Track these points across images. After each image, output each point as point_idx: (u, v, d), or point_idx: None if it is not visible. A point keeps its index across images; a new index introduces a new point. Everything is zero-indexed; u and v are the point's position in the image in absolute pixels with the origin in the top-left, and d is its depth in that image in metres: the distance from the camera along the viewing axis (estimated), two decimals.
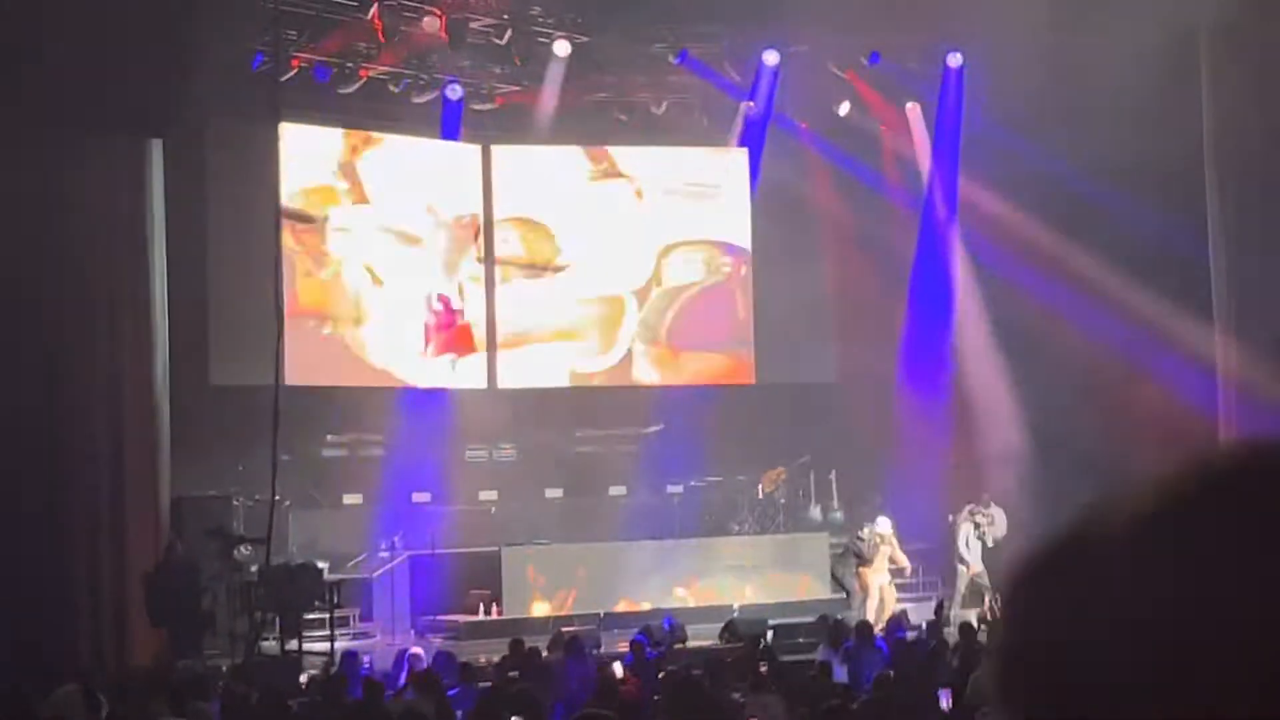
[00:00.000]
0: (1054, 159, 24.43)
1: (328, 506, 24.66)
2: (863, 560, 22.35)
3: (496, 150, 27.46)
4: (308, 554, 22.43)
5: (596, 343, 28.14)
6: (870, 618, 20.30)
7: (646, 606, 23.02)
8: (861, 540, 22.54)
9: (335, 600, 19.88)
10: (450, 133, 26.31)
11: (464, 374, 26.98)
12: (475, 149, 27.21)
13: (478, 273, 27.41)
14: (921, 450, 25.76)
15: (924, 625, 19.40)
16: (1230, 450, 1.14)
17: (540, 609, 22.93)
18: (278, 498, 19.69)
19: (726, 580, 24.26)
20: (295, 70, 23.79)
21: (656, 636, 18.88)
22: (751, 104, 27.12)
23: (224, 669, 16.99)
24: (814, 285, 28.17)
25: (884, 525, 22.55)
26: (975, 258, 26.48)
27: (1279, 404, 22.54)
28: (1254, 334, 22.92)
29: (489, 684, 14.48)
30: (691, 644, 19.70)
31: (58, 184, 19.51)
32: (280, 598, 18.69)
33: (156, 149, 20.88)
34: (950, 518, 23.78)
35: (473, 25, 24.52)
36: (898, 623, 18.05)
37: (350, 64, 24.57)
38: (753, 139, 27.57)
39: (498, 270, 27.56)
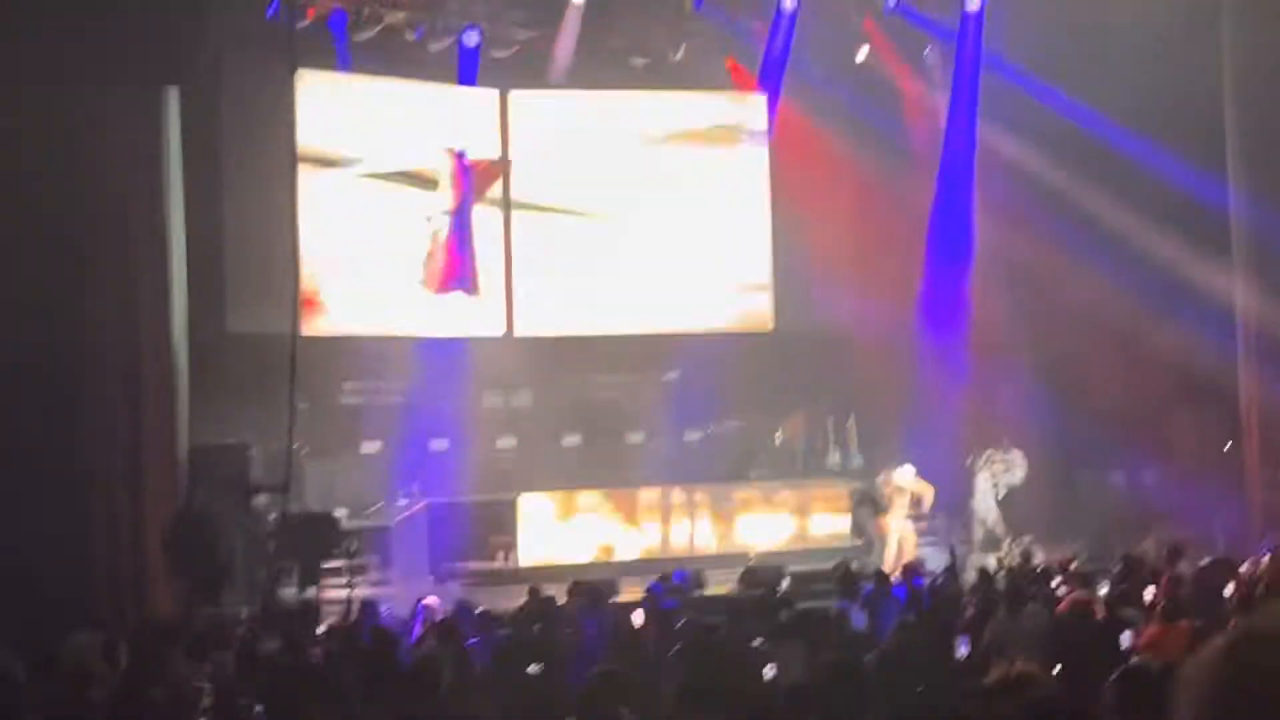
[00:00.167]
0: (1073, 104, 24.31)
1: (345, 454, 24.67)
2: (879, 508, 22.34)
3: (514, 96, 27.37)
4: (325, 502, 22.50)
5: (614, 291, 28.15)
6: (889, 564, 20.29)
7: (664, 554, 23.03)
8: (878, 483, 22.52)
9: (353, 548, 19.90)
10: (467, 79, 26.25)
11: (480, 320, 26.96)
12: (493, 94, 27.13)
13: (496, 218, 27.36)
14: (940, 396, 25.72)
15: (940, 571, 19.41)
16: None
17: (558, 557, 22.95)
18: (295, 446, 19.70)
19: (745, 527, 24.26)
20: (311, 18, 23.70)
21: (670, 587, 18.86)
22: (770, 49, 26.99)
23: (242, 617, 17.01)
24: (832, 231, 28.10)
25: (905, 473, 22.51)
26: (993, 204, 26.35)
27: None
28: (1273, 279, 22.84)
29: (506, 632, 14.49)
30: (710, 591, 19.71)
31: (73, 132, 19.47)
32: (298, 546, 18.72)
33: (173, 97, 20.83)
34: (969, 459, 23.75)
35: None
36: (914, 569, 17.99)
37: (366, 11, 24.47)
38: (770, 85, 27.42)
39: (515, 216, 27.52)
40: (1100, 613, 13.18)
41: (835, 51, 27.09)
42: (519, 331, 27.36)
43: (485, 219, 27.15)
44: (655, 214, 28.02)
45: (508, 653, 12.74)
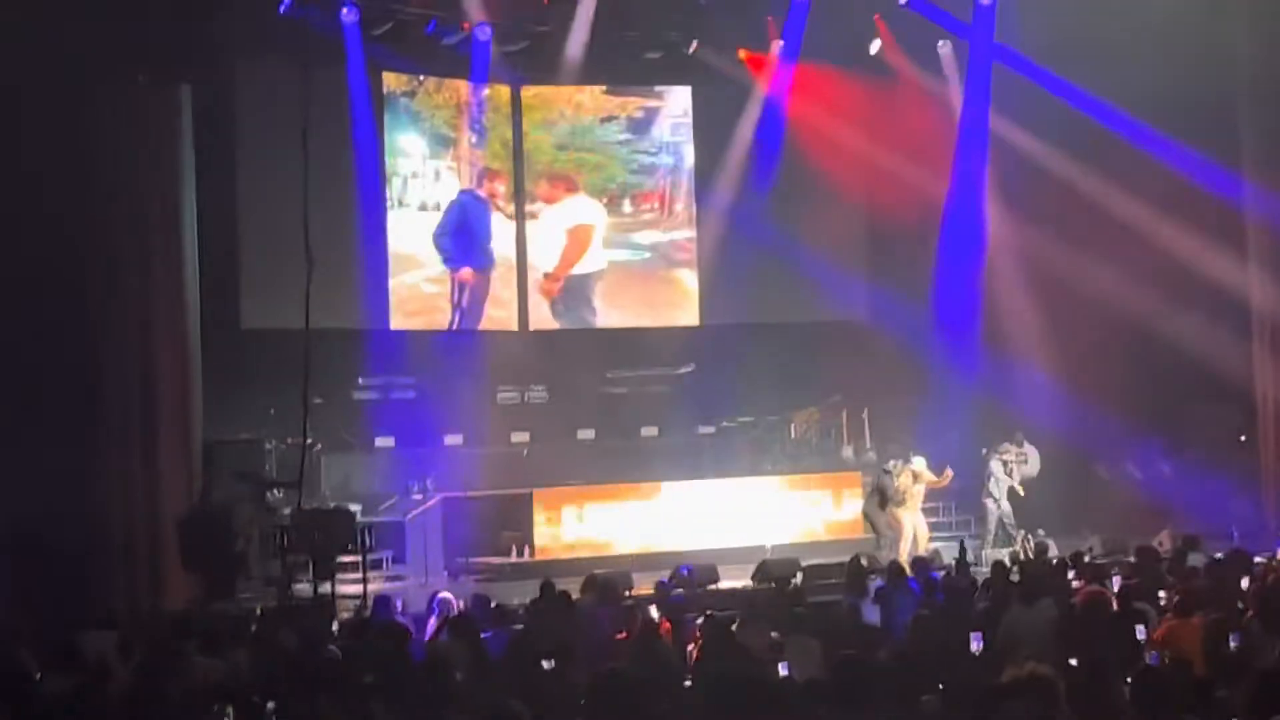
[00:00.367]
0: (1087, 97, 24.29)
1: (360, 449, 24.71)
2: (886, 499, 22.28)
3: (527, 91, 27.44)
4: (340, 497, 22.52)
5: (629, 284, 28.25)
6: (904, 558, 20.27)
7: (678, 548, 23.01)
8: (888, 473, 22.48)
9: (368, 543, 19.91)
10: (480, 74, 26.29)
11: (495, 316, 27.07)
12: (505, 90, 27.19)
13: (509, 213, 27.44)
14: (954, 389, 25.70)
15: (952, 564, 19.42)
16: None
17: (572, 551, 22.96)
18: (310, 441, 19.70)
19: (759, 521, 24.24)
20: (324, 13, 23.71)
21: (678, 581, 18.89)
22: (782, 42, 26.97)
23: (257, 612, 17.02)
24: (845, 223, 28.12)
25: (917, 464, 22.48)
26: (1007, 197, 26.31)
27: None
28: None
29: (520, 626, 14.49)
30: (724, 585, 19.71)
31: (88, 129, 19.51)
32: (313, 541, 18.72)
33: (186, 94, 20.87)
34: (984, 451, 23.73)
35: None
36: (924, 563, 17.98)
37: (379, 6, 24.47)
38: (784, 77, 27.38)
39: (529, 210, 27.60)
40: (1115, 606, 13.15)
41: (849, 43, 27.01)
42: (533, 325, 27.44)
43: (499, 214, 27.26)
44: (667, 203, 28.10)
45: (521, 646, 12.74)
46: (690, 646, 13.19)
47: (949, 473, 22.68)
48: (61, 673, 10.99)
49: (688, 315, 28.50)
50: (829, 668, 9.31)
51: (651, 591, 17.23)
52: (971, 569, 19.01)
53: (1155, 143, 23.65)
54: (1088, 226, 24.33)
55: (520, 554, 22.89)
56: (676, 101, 28.65)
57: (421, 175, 26.82)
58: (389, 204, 26.27)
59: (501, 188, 27.49)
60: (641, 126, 28.50)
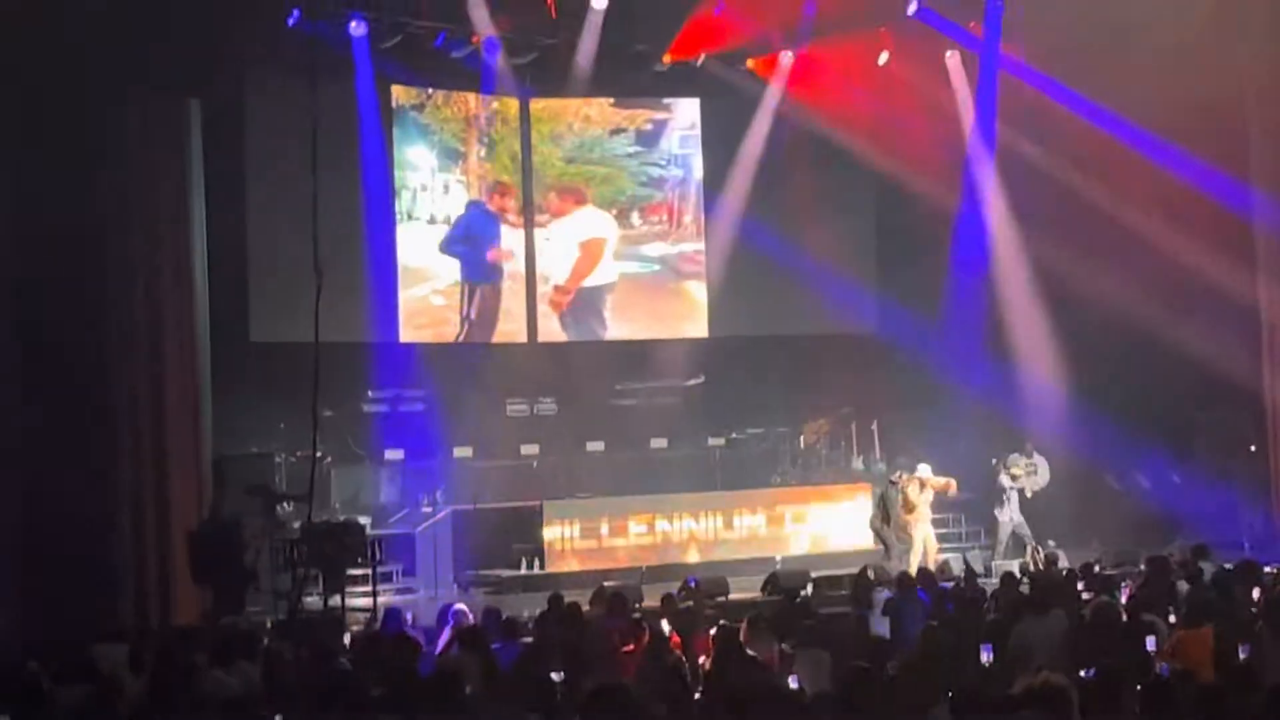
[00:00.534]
0: (1094, 107, 24.29)
1: (369, 462, 24.71)
2: (888, 511, 22.24)
3: (535, 103, 27.48)
4: (350, 510, 22.53)
5: (638, 296, 28.29)
6: (914, 569, 20.26)
7: (688, 560, 23.04)
8: (893, 484, 22.46)
9: (378, 556, 19.90)
10: (489, 87, 26.33)
11: (504, 328, 27.13)
12: (514, 102, 27.24)
13: (518, 225, 27.48)
14: (963, 400, 25.70)
15: (962, 575, 19.40)
16: None
17: (582, 563, 22.96)
18: (319, 454, 19.69)
19: (769, 533, 24.25)
20: (332, 27, 23.74)
21: (687, 593, 18.88)
22: (790, 53, 26.99)
23: (267, 626, 17.03)
24: (854, 234, 28.15)
25: (922, 471, 22.45)
26: (1016, 207, 26.31)
27: None
28: None
29: (530, 639, 14.49)
30: (734, 597, 19.70)
31: (98, 144, 19.54)
32: (323, 554, 18.70)
33: (195, 108, 20.91)
34: (994, 462, 23.71)
35: None
36: (935, 574, 17.98)
37: (387, 19, 24.49)
38: (792, 88, 27.37)
39: (538, 222, 27.65)
40: (1125, 617, 13.15)
41: (857, 54, 27.00)
42: (542, 337, 27.47)
43: (508, 226, 27.33)
44: (675, 215, 28.16)
45: (531, 658, 12.74)
46: (702, 659, 13.19)
47: (953, 482, 22.66)
48: (73, 685, 11.00)
49: (696, 327, 28.51)
50: (835, 680, 9.32)
51: (660, 604, 17.19)
52: (980, 580, 18.97)
53: (1163, 152, 23.65)
54: (1096, 236, 24.32)
55: (530, 566, 22.88)
56: (685, 114, 28.68)
57: (430, 188, 26.86)
58: (398, 217, 26.30)
59: (510, 200, 27.52)
60: (650, 139, 28.52)
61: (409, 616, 16.23)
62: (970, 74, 26.76)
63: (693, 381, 27.53)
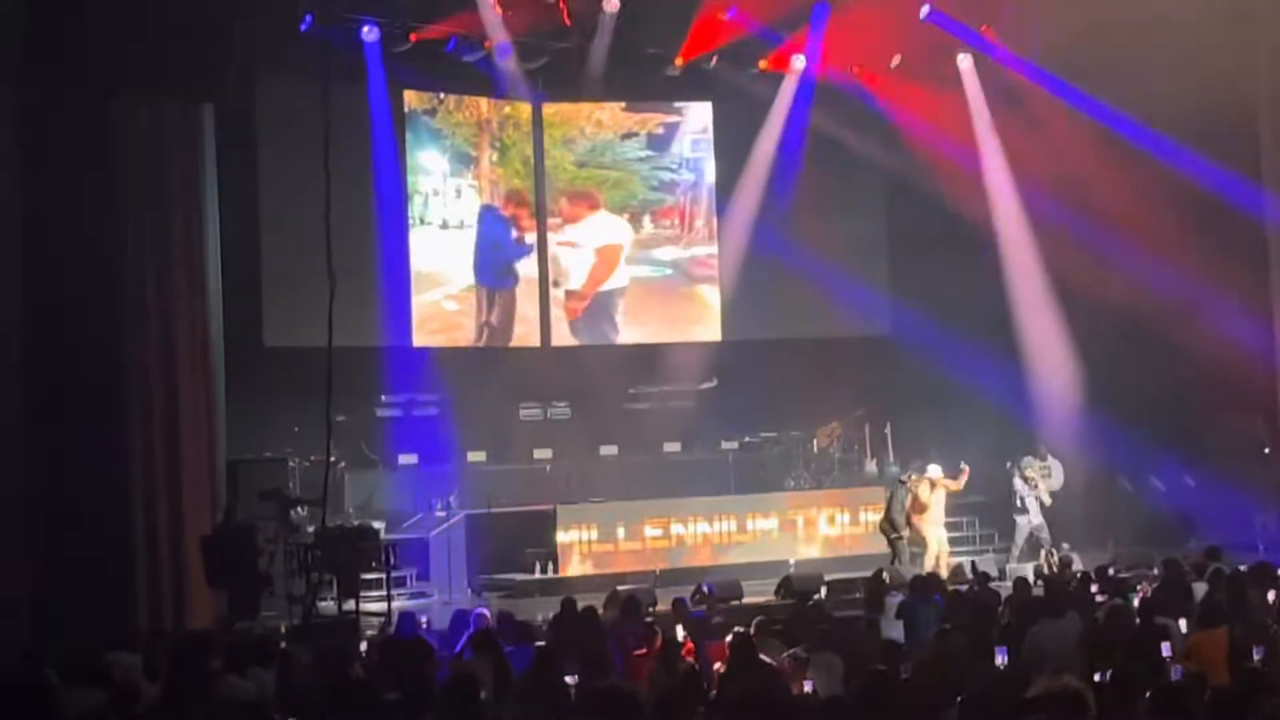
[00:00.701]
0: (1106, 108, 24.27)
1: (383, 467, 24.73)
2: (893, 514, 22.21)
3: (548, 108, 27.50)
4: (363, 515, 22.58)
5: (650, 300, 28.31)
6: (928, 571, 20.26)
7: (702, 564, 23.03)
8: (902, 484, 22.45)
9: (392, 561, 19.94)
10: (500, 91, 26.36)
11: (518, 332, 27.16)
12: (526, 107, 27.26)
13: (531, 230, 27.50)
14: (977, 403, 25.68)
15: (974, 578, 19.39)
16: None
17: (596, 567, 22.97)
18: (333, 459, 19.73)
19: (783, 536, 24.26)
20: (345, 32, 23.77)
21: (700, 598, 18.90)
22: (802, 57, 26.98)
23: (282, 631, 17.05)
24: (867, 237, 28.14)
25: (932, 471, 22.44)
26: (1028, 207, 26.29)
27: None
28: None
29: (543, 643, 14.49)
30: (748, 601, 19.71)
31: (111, 149, 19.61)
32: (337, 559, 18.73)
33: (208, 113, 20.96)
34: (1008, 465, 23.68)
35: None
36: (947, 578, 17.99)
37: (399, 24, 24.52)
38: (803, 92, 27.37)
39: (552, 227, 27.67)
40: (1139, 620, 13.14)
41: (868, 58, 27.01)
42: (555, 341, 27.49)
43: (522, 231, 27.37)
44: (688, 218, 28.21)
45: (544, 662, 12.75)
46: (717, 664, 13.19)
47: (965, 468, 22.62)
48: (88, 691, 11.01)
49: (709, 331, 28.51)
50: (848, 684, 9.31)
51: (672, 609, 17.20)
52: (992, 583, 18.96)
53: (1175, 154, 23.62)
54: (1109, 238, 24.28)
55: (544, 570, 22.89)
56: (696, 117, 28.68)
57: (443, 193, 26.88)
58: (410, 222, 26.33)
59: (523, 205, 27.54)
60: (661, 143, 28.53)
61: (423, 621, 16.26)
62: (982, 76, 26.75)
63: (706, 385, 27.52)
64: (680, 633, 14.74)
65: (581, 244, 28.00)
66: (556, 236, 27.81)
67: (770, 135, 27.66)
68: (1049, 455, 23.73)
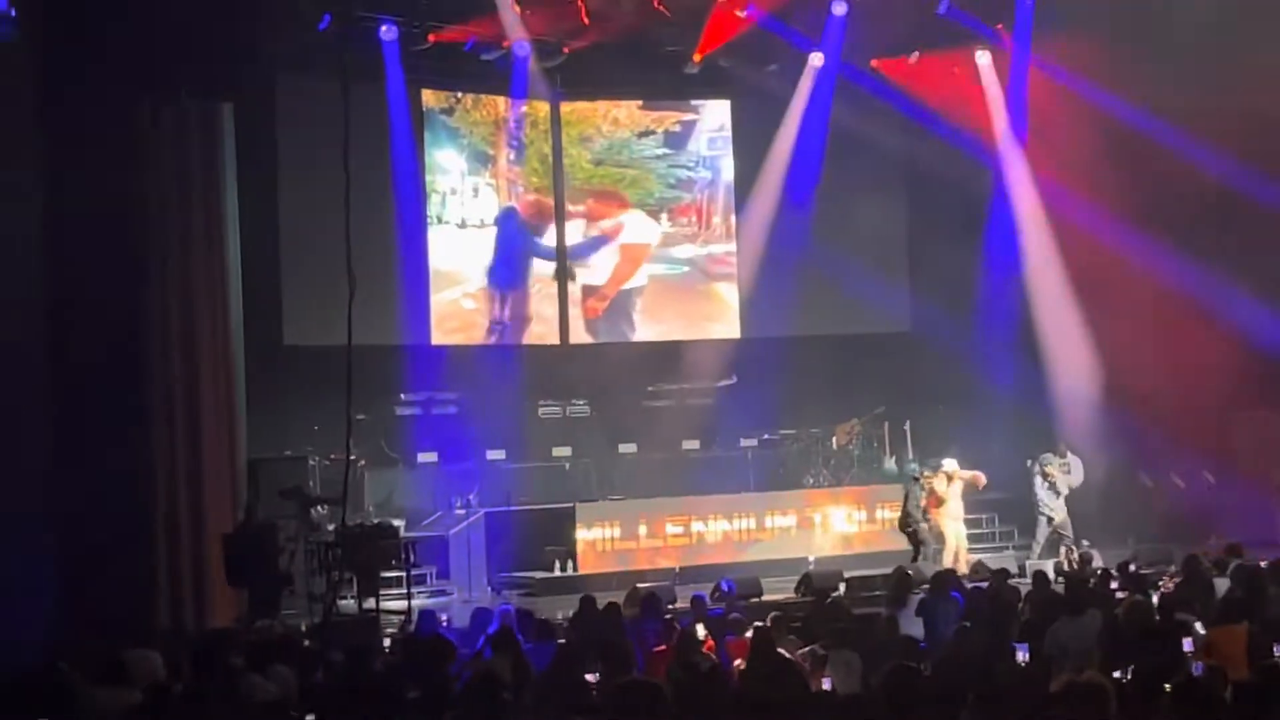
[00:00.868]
0: (1127, 105, 24.20)
1: (403, 465, 24.76)
2: (909, 510, 22.14)
3: (565, 106, 27.51)
4: (383, 513, 22.56)
5: (668, 298, 28.33)
6: (947, 564, 20.24)
7: (721, 561, 23.02)
8: (916, 480, 22.41)
9: (412, 559, 19.96)
10: (519, 90, 26.37)
11: (536, 330, 27.19)
12: (544, 105, 27.27)
13: (549, 228, 27.52)
14: (997, 399, 25.66)
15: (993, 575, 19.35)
16: None
17: (615, 565, 22.97)
18: (353, 457, 19.74)
19: (801, 533, 24.25)
20: (363, 31, 23.81)
21: (719, 595, 18.90)
22: (820, 55, 26.94)
23: (302, 629, 17.09)
24: (886, 234, 28.10)
25: (949, 465, 22.39)
26: (1047, 203, 26.25)
27: None
28: None
29: (563, 640, 14.50)
30: (767, 598, 19.71)
31: (131, 148, 19.66)
32: (357, 557, 18.77)
33: (228, 112, 21.01)
34: (1029, 462, 23.61)
35: None
36: (967, 574, 17.96)
37: (417, 23, 24.54)
38: (822, 90, 27.34)
39: (577, 225, 27.71)
40: (1159, 616, 13.11)
41: (887, 54, 26.97)
42: (574, 339, 27.51)
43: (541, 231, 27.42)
44: (706, 216, 28.21)
45: (564, 660, 12.75)
46: (737, 661, 13.19)
47: (983, 480, 22.59)
48: (110, 689, 11.05)
49: (728, 328, 28.51)
50: (866, 681, 9.31)
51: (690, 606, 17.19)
52: (1013, 580, 18.91)
53: (1195, 150, 23.54)
54: (1128, 234, 24.23)
55: (563, 568, 22.90)
56: (714, 115, 28.68)
57: (460, 192, 26.92)
58: (429, 220, 26.37)
59: (541, 204, 27.56)
60: (678, 140, 28.53)
61: (444, 619, 16.28)
62: (1001, 72, 26.72)
63: (725, 382, 27.49)
64: (700, 630, 14.73)
65: (608, 241, 28.01)
66: (582, 234, 27.82)
67: (788, 132, 27.61)
68: (1069, 452, 23.66)
